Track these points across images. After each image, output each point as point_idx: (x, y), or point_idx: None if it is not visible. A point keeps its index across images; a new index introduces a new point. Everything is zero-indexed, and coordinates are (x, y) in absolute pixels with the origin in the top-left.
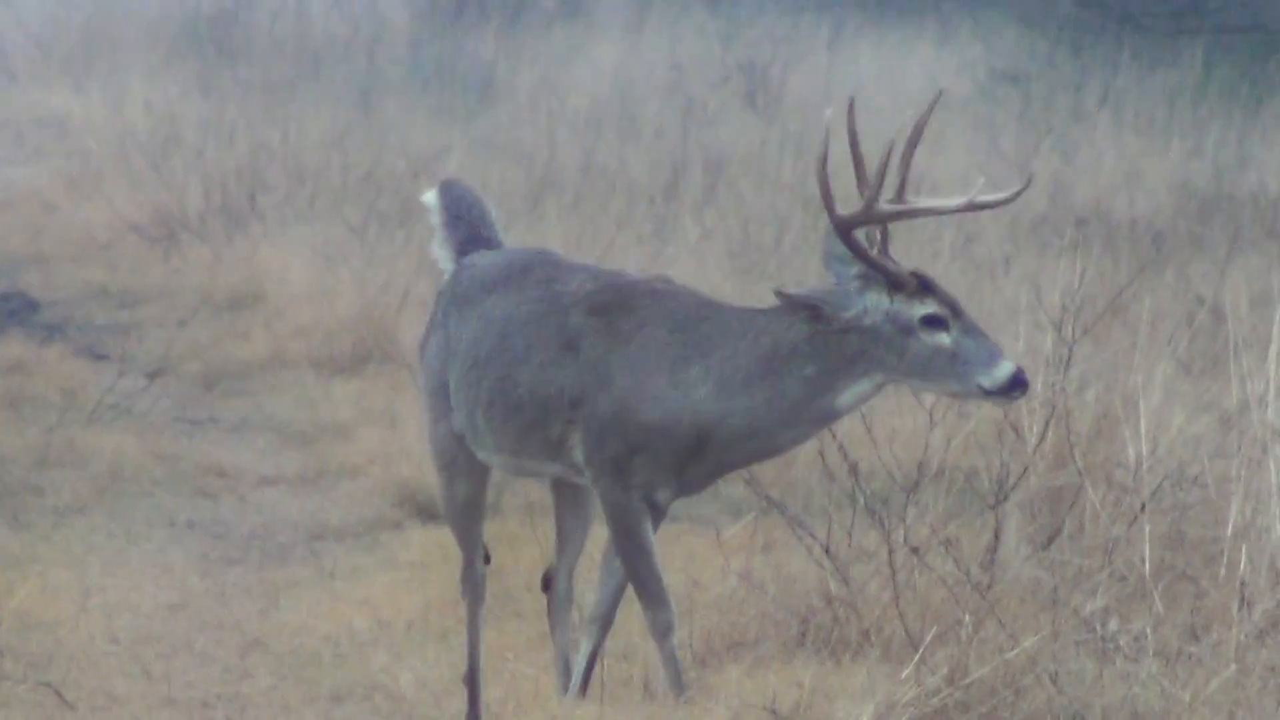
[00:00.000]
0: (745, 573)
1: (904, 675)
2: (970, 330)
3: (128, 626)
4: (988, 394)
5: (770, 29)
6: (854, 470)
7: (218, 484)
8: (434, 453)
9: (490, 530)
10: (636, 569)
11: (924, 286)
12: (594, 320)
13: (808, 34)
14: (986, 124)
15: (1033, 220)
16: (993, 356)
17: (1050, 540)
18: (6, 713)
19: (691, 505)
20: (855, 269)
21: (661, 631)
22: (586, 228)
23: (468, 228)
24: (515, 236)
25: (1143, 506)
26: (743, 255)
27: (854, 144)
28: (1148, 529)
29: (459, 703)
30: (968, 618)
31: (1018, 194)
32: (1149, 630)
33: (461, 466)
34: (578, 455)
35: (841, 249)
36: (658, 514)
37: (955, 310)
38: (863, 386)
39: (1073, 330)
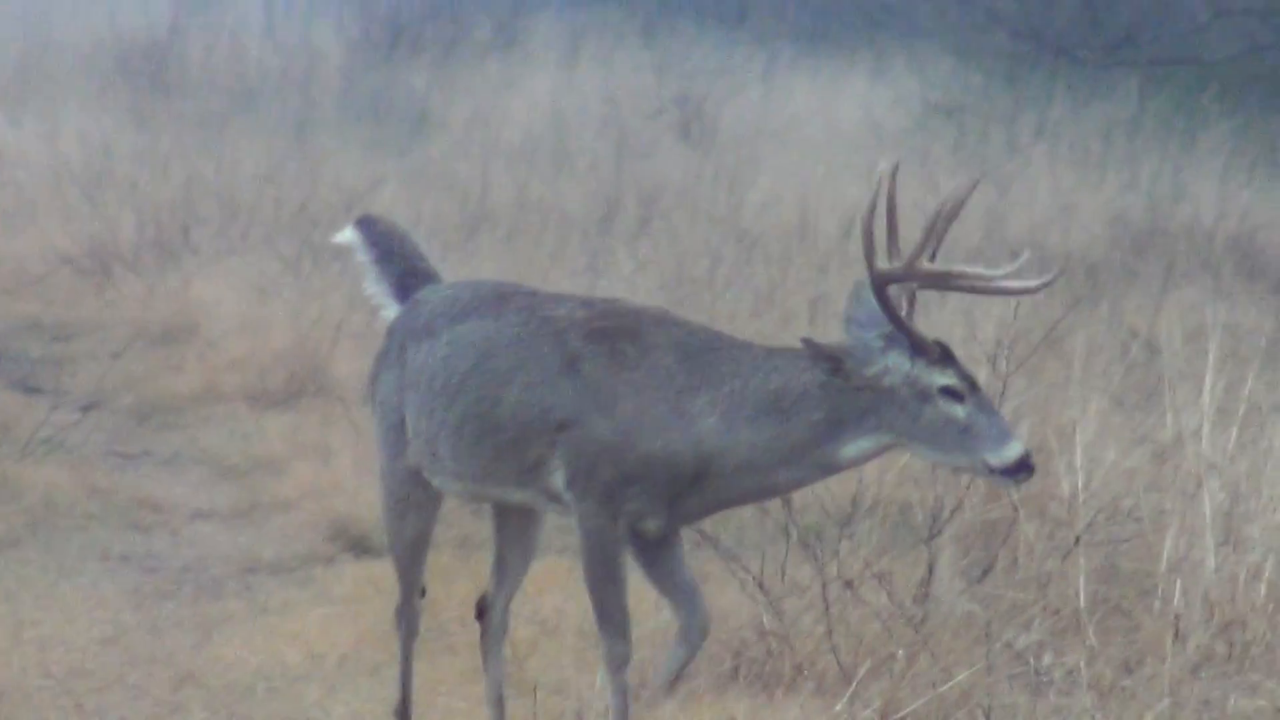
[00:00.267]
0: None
1: (837, 709)
2: (984, 407)
3: (60, 660)
4: (993, 472)
5: (705, 62)
6: (787, 504)
7: (151, 518)
8: (387, 489)
9: None
10: (604, 599)
11: (946, 356)
12: (595, 344)
13: (742, 67)
14: (921, 157)
15: (967, 253)
16: (1004, 436)
17: (984, 574)
18: None
19: None
20: (878, 330)
21: (616, 665)
22: (521, 260)
23: (403, 262)
24: (450, 269)
25: (1077, 540)
26: (677, 288)
27: (891, 206)
28: (1082, 563)
29: None
30: (901, 651)
31: (1050, 281)
32: (1083, 664)
33: (414, 502)
34: (556, 479)
35: (869, 307)
36: (648, 543)
37: (973, 386)
38: (868, 443)
39: (1007, 364)
